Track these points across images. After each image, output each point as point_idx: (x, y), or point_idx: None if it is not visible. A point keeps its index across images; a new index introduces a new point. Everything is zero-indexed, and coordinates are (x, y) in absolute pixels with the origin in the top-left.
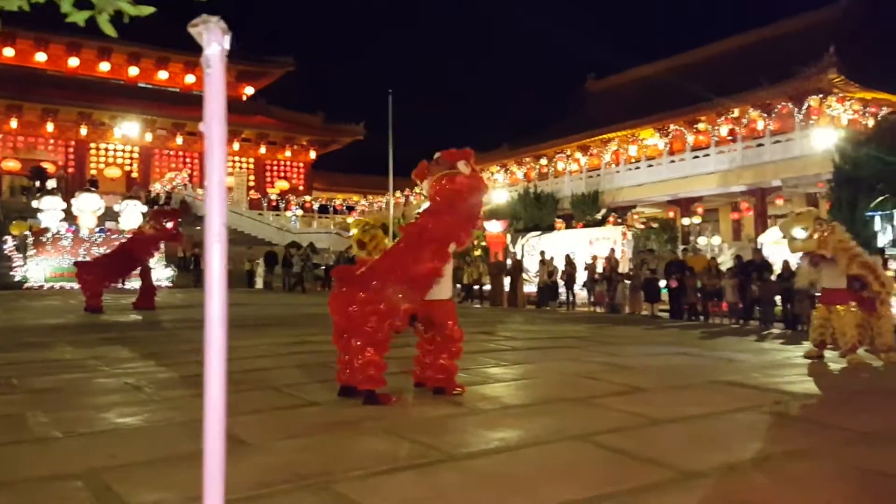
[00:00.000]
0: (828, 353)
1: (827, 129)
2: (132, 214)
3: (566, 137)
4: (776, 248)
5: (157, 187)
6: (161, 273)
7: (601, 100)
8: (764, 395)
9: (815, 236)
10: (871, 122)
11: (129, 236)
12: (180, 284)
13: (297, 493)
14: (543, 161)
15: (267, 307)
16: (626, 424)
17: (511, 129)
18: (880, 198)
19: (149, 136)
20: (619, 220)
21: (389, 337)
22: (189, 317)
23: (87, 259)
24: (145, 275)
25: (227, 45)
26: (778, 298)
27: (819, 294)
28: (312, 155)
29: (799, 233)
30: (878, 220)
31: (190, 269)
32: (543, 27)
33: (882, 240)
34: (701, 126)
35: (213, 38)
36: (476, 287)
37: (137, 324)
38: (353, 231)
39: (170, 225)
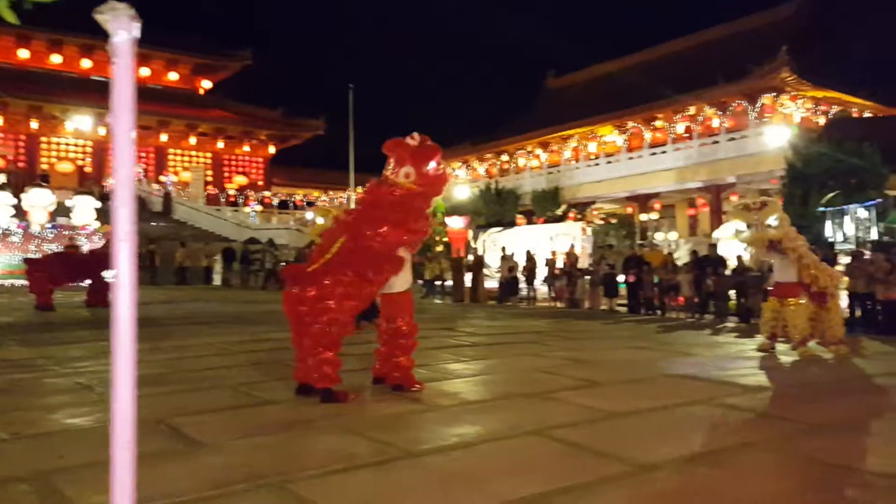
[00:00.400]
0: (779, 346)
1: (780, 126)
2: (84, 210)
3: (527, 134)
4: (731, 244)
5: (111, 182)
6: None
7: (561, 97)
8: (718, 388)
9: (785, 226)
10: (822, 121)
11: (103, 242)
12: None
13: (252, 494)
14: (505, 157)
15: (224, 304)
16: (583, 418)
17: (472, 126)
18: (831, 194)
19: (102, 130)
20: (579, 216)
21: (342, 334)
22: (143, 315)
23: (38, 256)
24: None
25: (136, 33)
26: (732, 293)
27: (771, 288)
28: (272, 150)
29: (773, 221)
30: (828, 215)
31: (144, 266)
32: (504, 24)
33: (832, 235)
34: (658, 123)
35: (121, 26)
36: (438, 283)
37: (89, 321)
38: (321, 219)
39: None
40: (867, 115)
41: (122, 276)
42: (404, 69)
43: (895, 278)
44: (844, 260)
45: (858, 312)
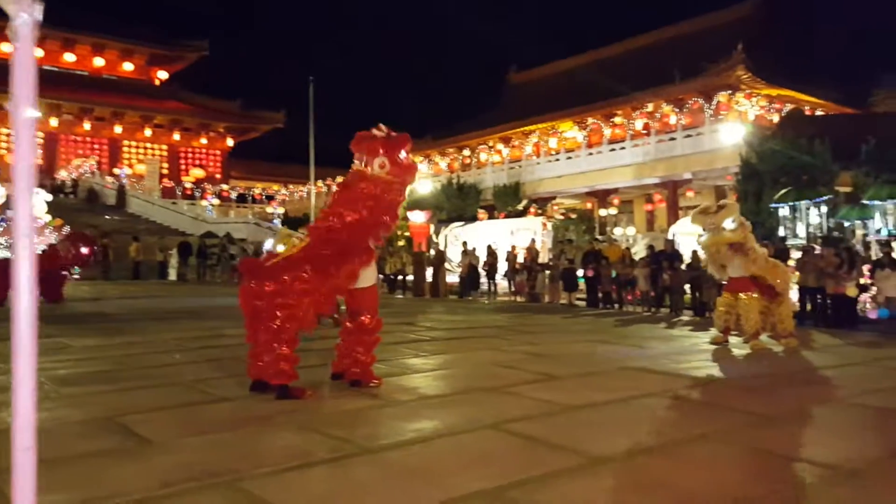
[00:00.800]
0: (732, 339)
1: (735, 124)
2: (36, 203)
3: (488, 129)
4: (687, 239)
5: (63, 174)
6: None
7: (523, 92)
8: (672, 380)
9: (743, 228)
10: (775, 118)
11: (43, 250)
12: (87, 276)
13: (203, 493)
14: (466, 152)
15: (180, 299)
16: (539, 412)
17: (434, 120)
18: (783, 190)
19: (54, 121)
20: (540, 211)
21: (299, 330)
22: (95, 311)
23: None
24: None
25: (38, 16)
26: (687, 287)
27: (725, 283)
28: (230, 142)
29: (729, 224)
30: (781, 211)
31: (96, 261)
32: (466, 18)
33: (784, 230)
34: (617, 120)
35: (22, 8)
36: (399, 277)
37: (40, 317)
38: (281, 246)
39: (85, 251)
40: (819, 112)
41: (23, 275)
42: (365, 62)
43: (844, 273)
44: (796, 255)
45: (809, 306)
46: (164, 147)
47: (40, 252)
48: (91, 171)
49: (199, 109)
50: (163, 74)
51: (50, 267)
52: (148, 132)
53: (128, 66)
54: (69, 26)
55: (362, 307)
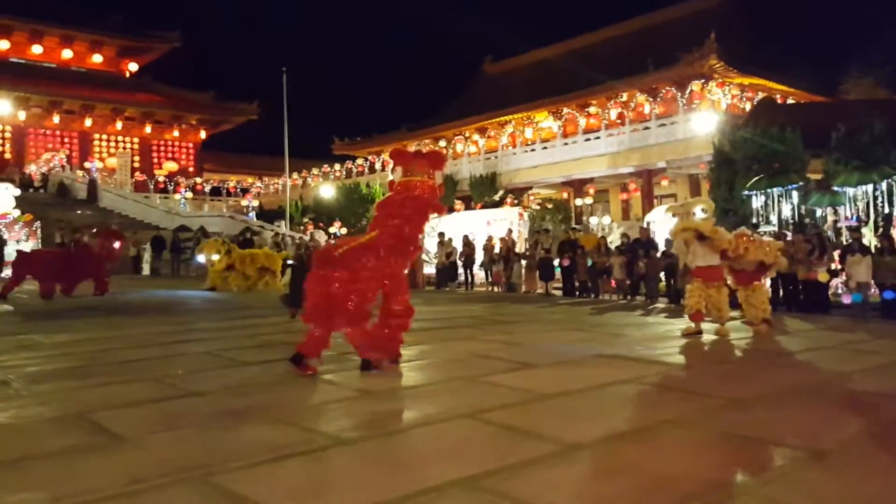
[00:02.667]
0: (705, 325)
1: (708, 112)
2: (3, 198)
3: (464, 119)
4: (661, 227)
5: (32, 168)
6: None
7: (498, 82)
8: (646, 367)
9: (713, 219)
10: (747, 106)
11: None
12: None
13: (174, 488)
14: (442, 143)
15: (153, 294)
16: (515, 400)
17: (410, 110)
18: (756, 178)
19: (22, 115)
20: (516, 202)
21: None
22: (65, 306)
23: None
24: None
25: None
26: (662, 275)
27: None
28: (202, 135)
29: (699, 212)
30: (753, 198)
31: None
32: (441, 9)
33: (756, 217)
34: (592, 109)
35: None
36: None
37: (9, 313)
38: (215, 255)
39: (117, 245)
40: (790, 101)
41: None
42: (338, 53)
43: (815, 259)
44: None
45: (781, 292)
46: (136, 140)
47: (75, 250)
48: (61, 165)
49: (171, 101)
50: (133, 66)
51: (89, 264)
52: (119, 125)
53: (97, 58)
54: (36, 18)
55: (401, 292)
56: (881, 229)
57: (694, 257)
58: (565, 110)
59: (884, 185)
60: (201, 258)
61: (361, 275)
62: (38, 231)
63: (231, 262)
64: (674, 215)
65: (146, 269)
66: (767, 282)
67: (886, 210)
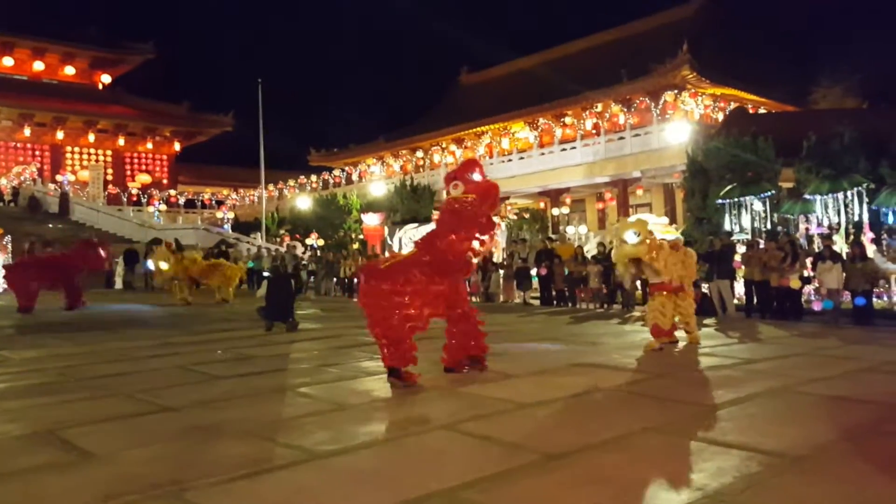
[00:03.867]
0: (678, 334)
1: (681, 123)
2: None
3: (441, 130)
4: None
5: (2, 182)
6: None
7: (474, 93)
8: (623, 375)
9: (647, 242)
10: (720, 116)
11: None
12: None
13: None
14: (420, 153)
15: (127, 308)
16: (493, 410)
17: (386, 122)
18: (729, 186)
19: None
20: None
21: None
22: (37, 321)
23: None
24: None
25: None
26: (638, 283)
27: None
28: (177, 147)
29: (631, 237)
30: (726, 207)
31: None
32: (416, 21)
33: (730, 226)
34: (568, 120)
35: None
36: (355, 281)
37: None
38: (164, 264)
39: (103, 254)
40: (762, 111)
41: None
42: (314, 64)
43: (788, 266)
44: (741, 249)
45: (755, 299)
46: (109, 152)
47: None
48: (32, 179)
49: (144, 113)
50: (107, 78)
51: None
52: (91, 137)
53: (69, 70)
54: (7, 30)
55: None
56: (852, 236)
57: (649, 274)
58: (541, 121)
59: (854, 193)
60: (150, 264)
61: (406, 289)
62: (9, 245)
63: (177, 271)
64: (609, 242)
65: (119, 283)
66: (740, 288)
67: (856, 217)
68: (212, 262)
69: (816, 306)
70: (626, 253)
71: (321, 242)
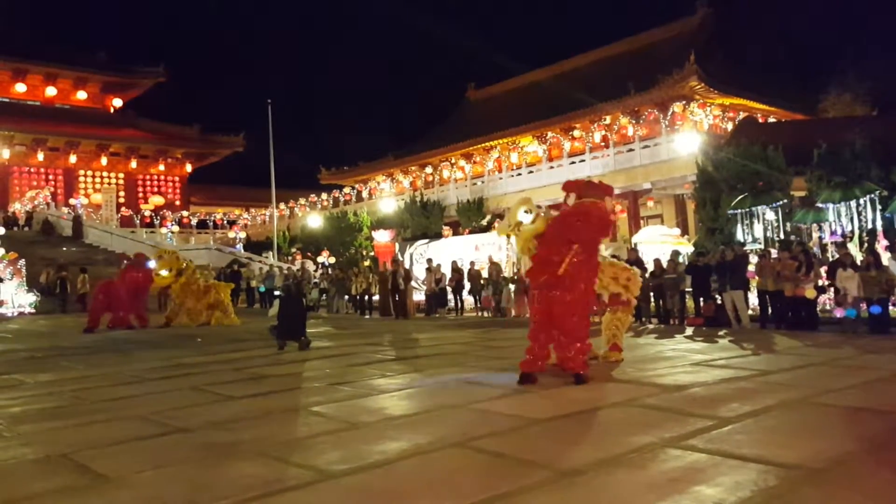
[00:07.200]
0: (695, 345)
1: (690, 133)
2: None
3: (450, 146)
4: (649, 248)
5: (16, 207)
6: (23, 298)
7: (482, 109)
8: (637, 389)
9: (541, 216)
10: (729, 126)
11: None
12: (44, 310)
13: None
14: (429, 169)
15: (139, 330)
16: (506, 427)
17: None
18: (740, 196)
19: (6, 153)
20: None
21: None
22: (54, 344)
23: None
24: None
25: None
26: (652, 295)
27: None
28: (188, 168)
29: (525, 217)
30: (738, 217)
31: (55, 294)
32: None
33: (742, 236)
34: (576, 133)
35: None
36: (365, 298)
37: None
38: (164, 272)
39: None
40: (772, 120)
41: None
42: (322, 84)
43: (802, 275)
44: (754, 259)
45: (770, 309)
46: (122, 175)
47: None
48: (46, 203)
49: (156, 136)
50: (118, 102)
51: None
52: (104, 161)
53: (81, 95)
54: (20, 56)
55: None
56: (866, 244)
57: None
58: (549, 134)
59: (866, 201)
60: (152, 264)
61: (577, 298)
62: (24, 269)
63: (168, 286)
64: (508, 234)
65: None
66: (753, 299)
67: (870, 225)
68: (210, 283)
69: (838, 314)
70: (527, 231)
71: (332, 260)
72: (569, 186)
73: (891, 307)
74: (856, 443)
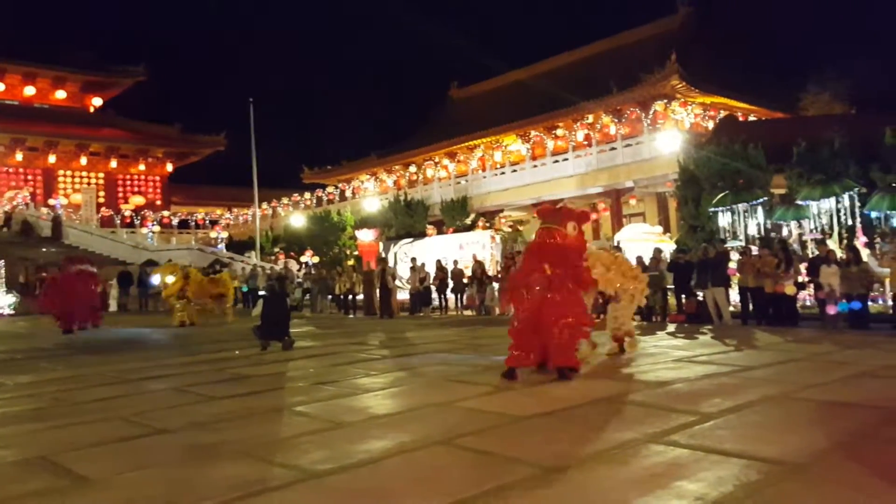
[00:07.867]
0: (679, 342)
1: (672, 132)
2: None
3: (433, 145)
4: (632, 245)
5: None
6: (1, 300)
7: (465, 108)
8: (621, 385)
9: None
10: (710, 125)
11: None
12: (23, 312)
13: None
14: (413, 168)
15: (120, 331)
16: (490, 424)
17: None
18: (721, 194)
19: None
20: (488, 225)
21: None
22: (34, 346)
23: None
24: None
25: None
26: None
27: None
28: (169, 168)
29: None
30: (719, 215)
31: (34, 295)
32: (405, 37)
33: (723, 233)
34: (559, 132)
35: None
36: (349, 297)
37: None
38: (170, 277)
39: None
40: (752, 118)
41: None
42: (305, 82)
43: (782, 272)
44: (735, 256)
45: (751, 306)
46: (101, 175)
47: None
48: (25, 203)
49: (136, 135)
50: (98, 101)
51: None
52: (84, 160)
53: (61, 94)
54: None
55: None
56: (845, 241)
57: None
58: (533, 133)
59: (846, 198)
60: (156, 279)
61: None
62: (2, 270)
63: (184, 287)
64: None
65: (113, 305)
66: (735, 296)
67: (849, 222)
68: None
69: (831, 310)
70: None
71: (316, 259)
72: (539, 213)
73: (870, 303)
74: (836, 437)
